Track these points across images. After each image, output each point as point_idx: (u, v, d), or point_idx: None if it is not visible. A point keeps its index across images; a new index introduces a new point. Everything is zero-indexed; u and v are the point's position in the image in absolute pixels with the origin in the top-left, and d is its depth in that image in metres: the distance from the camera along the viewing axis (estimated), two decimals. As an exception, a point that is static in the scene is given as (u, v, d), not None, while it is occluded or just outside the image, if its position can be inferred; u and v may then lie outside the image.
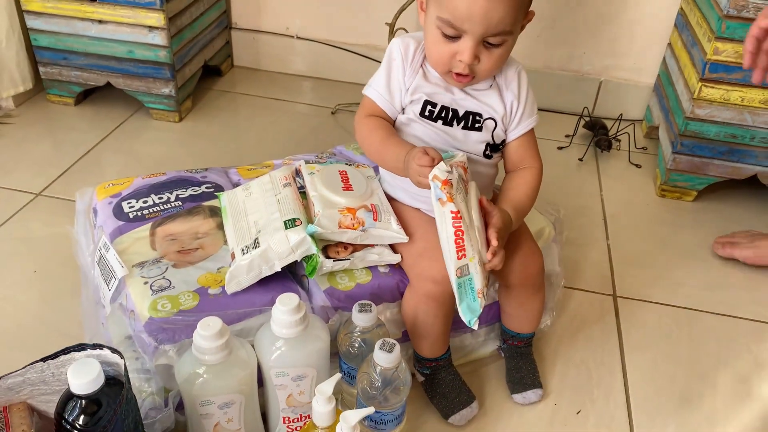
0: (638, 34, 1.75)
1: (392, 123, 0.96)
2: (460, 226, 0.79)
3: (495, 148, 0.95)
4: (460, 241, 0.79)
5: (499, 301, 1.02)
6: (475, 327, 0.81)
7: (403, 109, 0.94)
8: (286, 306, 0.78)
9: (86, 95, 1.75)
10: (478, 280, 0.81)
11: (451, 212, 0.79)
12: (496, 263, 0.83)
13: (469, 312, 0.81)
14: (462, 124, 0.92)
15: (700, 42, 1.41)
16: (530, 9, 0.87)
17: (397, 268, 0.94)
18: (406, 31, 1.61)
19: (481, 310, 0.81)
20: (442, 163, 0.80)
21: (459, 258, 0.80)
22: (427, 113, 0.92)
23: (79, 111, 1.71)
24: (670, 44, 1.68)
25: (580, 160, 1.66)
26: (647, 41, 1.75)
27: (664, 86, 1.65)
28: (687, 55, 1.50)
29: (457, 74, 0.87)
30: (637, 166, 1.66)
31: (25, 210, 1.35)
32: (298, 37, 1.92)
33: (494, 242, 0.82)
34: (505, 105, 0.94)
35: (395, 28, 1.59)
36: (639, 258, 1.36)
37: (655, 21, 1.72)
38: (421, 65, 0.92)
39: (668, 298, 1.25)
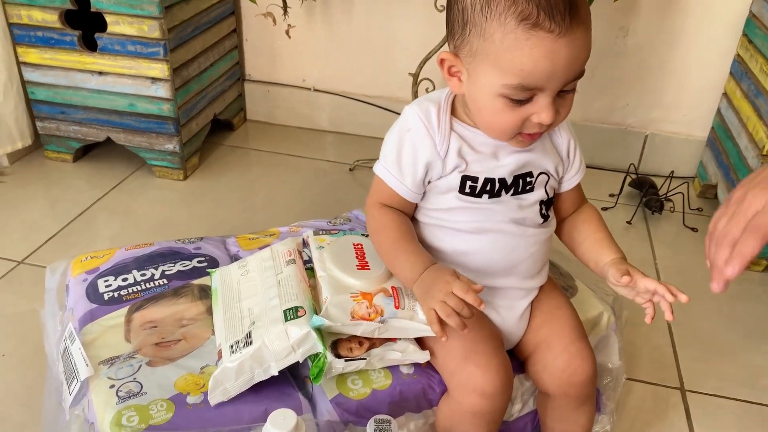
0: (688, 84, 1.59)
1: (413, 209, 0.79)
2: None
3: (549, 203, 0.79)
4: None
5: (537, 411, 0.84)
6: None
7: (424, 194, 0.77)
8: (280, 428, 0.60)
9: (85, 151, 1.63)
10: None
11: None
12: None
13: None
14: (512, 191, 0.75)
15: (767, 91, 1.24)
16: None
17: (424, 367, 0.76)
18: (431, 82, 1.47)
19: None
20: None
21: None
22: (468, 190, 0.75)
23: (78, 168, 1.59)
24: (726, 94, 1.51)
25: (629, 222, 1.48)
26: (698, 91, 1.58)
27: (721, 140, 1.48)
28: (750, 106, 1.33)
29: (529, 134, 0.71)
30: (693, 229, 1.47)
31: (3, 280, 1.21)
32: (315, 90, 1.80)
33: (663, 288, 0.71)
34: (560, 150, 0.78)
35: (419, 79, 1.46)
36: (706, 340, 1.16)
37: (706, 69, 1.56)
38: (451, 130, 0.74)
39: (747, 393, 1.05)
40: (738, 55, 1.47)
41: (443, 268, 0.70)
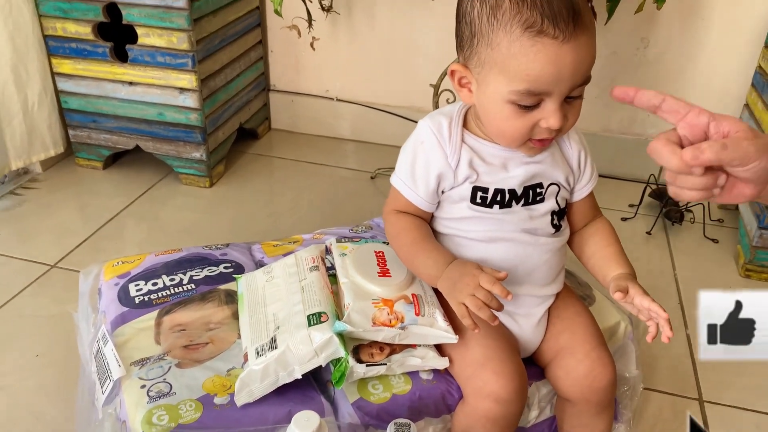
0: (709, 95, 1.59)
1: (428, 217, 0.82)
2: None
3: (561, 213, 0.81)
4: None
5: (555, 417, 0.85)
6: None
7: (438, 203, 0.80)
8: (303, 429, 0.63)
9: (115, 159, 1.68)
10: None
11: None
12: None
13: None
14: (522, 201, 0.77)
15: (788, 103, 1.25)
16: None
17: (443, 373, 0.78)
18: (452, 93, 1.49)
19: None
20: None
21: None
22: (479, 200, 0.77)
23: (107, 175, 1.63)
24: (747, 105, 1.51)
25: (648, 233, 1.48)
26: (719, 102, 1.58)
27: (743, 152, 1.47)
28: (771, 117, 1.33)
29: (539, 140, 0.73)
30: (713, 240, 1.47)
31: (36, 284, 1.25)
32: (337, 100, 1.83)
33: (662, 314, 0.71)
34: (570, 161, 0.80)
35: (440, 90, 1.48)
36: (726, 352, 1.16)
37: (728, 80, 1.56)
38: (462, 142, 0.77)
39: (767, 405, 1.05)
40: (760, 66, 1.47)
41: (467, 262, 0.72)
